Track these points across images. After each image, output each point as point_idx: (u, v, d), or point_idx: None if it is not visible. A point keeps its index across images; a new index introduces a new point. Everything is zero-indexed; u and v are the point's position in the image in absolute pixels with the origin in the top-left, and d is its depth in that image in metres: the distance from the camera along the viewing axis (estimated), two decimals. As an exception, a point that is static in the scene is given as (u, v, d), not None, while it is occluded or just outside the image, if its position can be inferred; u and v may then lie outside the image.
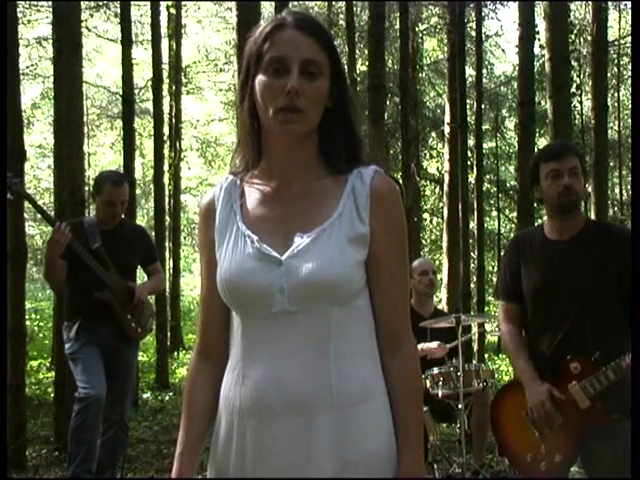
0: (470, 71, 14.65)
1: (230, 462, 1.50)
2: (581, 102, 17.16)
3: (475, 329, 10.47)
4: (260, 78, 1.48)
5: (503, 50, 20.14)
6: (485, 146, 17.28)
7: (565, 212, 2.98)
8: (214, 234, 1.56)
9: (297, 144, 1.51)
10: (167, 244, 14.21)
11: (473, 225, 14.24)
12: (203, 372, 1.60)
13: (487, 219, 19.38)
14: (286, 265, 1.45)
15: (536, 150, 10.48)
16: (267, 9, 14.27)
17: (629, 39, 15.32)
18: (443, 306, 11.61)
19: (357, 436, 1.44)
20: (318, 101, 1.48)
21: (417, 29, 17.42)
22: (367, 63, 13.01)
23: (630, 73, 14.98)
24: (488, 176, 18.93)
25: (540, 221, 15.10)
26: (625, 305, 2.85)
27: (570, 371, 2.87)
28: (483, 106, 15.50)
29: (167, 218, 14.04)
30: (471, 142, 13.87)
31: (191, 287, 24.12)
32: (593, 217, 10.60)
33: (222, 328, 1.57)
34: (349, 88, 1.57)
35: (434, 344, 4.91)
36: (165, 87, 14.22)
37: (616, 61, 17.85)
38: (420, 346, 4.92)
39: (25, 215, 6.49)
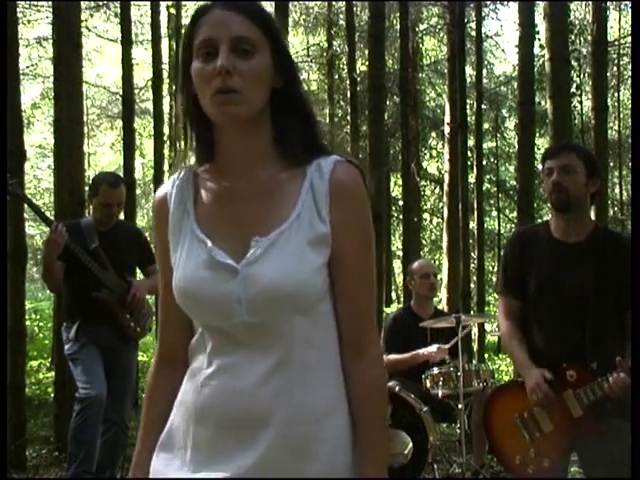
0: (470, 71, 14.66)
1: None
2: (581, 102, 17.17)
3: (475, 329, 10.53)
4: (193, 65, 1.39)
5: (503, 50, 20.18)
6: (485, 146, 17.29)
7: (557, 210, 2.96)
8: (168, 236, 1.46)
9: (246, 133, 1.40)
10: (167, 244, 14.20)
11: (473, 225, 14.24)
12: (163, 379, 1.52)
13: (487, 219, 19.39)
14: (242, 274, 1.35)
15: (536, 150, 10.50)
16: (267, 9, 14.26)
17: (629, 39, 15.33)
18: (443, 306, 11.60)
19: (312, 455, 1.35)
20: (257, 80, 1.37)
21: (417, 29, 17.43)
22: (367, 63, 13.01)
23: (630, 73, 14.98)
24: (488, 176, 18.94)
25: (540, 221, 15.11)
26: (622, 313, 2.85)
27: (566, 378, 2.87)
28: (483, 106, 15.51)
29: (167, 218, 14.03)
30: (471, 142, 13.88)
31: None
32: (593, 217, 10.59)
33: (182, 334, 1.48)
34: (296, 66, 1.45)
35: (433, 348, 4.89)
36: (165, 87, 14.22)
37: (616, 61, 17.86)
38: (421, 351, 4.92)
39: (25, 215, 6.50)
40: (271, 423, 1.34)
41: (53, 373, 7.30)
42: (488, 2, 15.58)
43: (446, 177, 13.36)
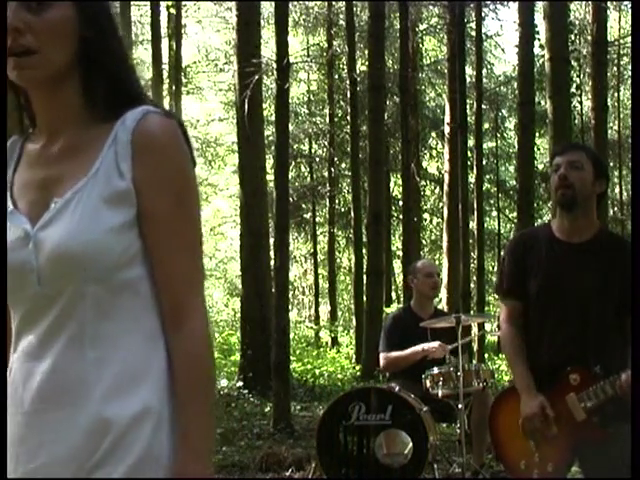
0: (470, 71, 14.68)
1: (11, 466, 1.29)
2: (581, 102, 17.20)
3: (475, 330, 10.55)
4: None
5: (503, 50, 20.20)
6: (485, 146, 17.31)
7: (563, 207, 2.92)
8: None
9: (51, 93, 1.29)
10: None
11: (473, 225, 14.26)
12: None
13: (487, 219, 19.42)
14: (34, 239, 1.24)
15: (536, 150, 10.51)
16: (267, 9, 14.29)
17: (629, 39, 15.34)
18: (443, 306, 11.62)
19: (107, 444, 1.20)
20: (54, 35, 1.24)
21: (417, 29, 17.46)
22: (367, 63, 13.02)
23: (630, 73, 15.00)
24: (488, 176, 18.98)
25: (540, 221, 15.12)
26: (623, 316, 2.84)
27: (569, 382, 2.84)
28: (483, 106, 15.53)
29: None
30: (471, 142, 13.89)
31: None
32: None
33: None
34: (109, 15, 1.33)
35: (435, 343, 4.88)
36: (165, 87, 14.23)
37: (616, 61, 17.89)
38: (421, 346, 4.92)
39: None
40: (65, 408, 1.22)
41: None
42: (488, 2, 15.60)
43: (446, 177, 13.38)
